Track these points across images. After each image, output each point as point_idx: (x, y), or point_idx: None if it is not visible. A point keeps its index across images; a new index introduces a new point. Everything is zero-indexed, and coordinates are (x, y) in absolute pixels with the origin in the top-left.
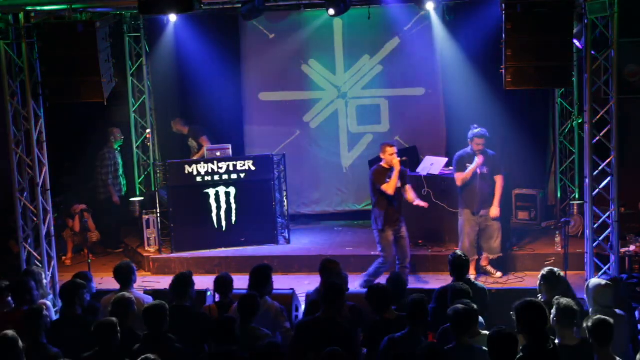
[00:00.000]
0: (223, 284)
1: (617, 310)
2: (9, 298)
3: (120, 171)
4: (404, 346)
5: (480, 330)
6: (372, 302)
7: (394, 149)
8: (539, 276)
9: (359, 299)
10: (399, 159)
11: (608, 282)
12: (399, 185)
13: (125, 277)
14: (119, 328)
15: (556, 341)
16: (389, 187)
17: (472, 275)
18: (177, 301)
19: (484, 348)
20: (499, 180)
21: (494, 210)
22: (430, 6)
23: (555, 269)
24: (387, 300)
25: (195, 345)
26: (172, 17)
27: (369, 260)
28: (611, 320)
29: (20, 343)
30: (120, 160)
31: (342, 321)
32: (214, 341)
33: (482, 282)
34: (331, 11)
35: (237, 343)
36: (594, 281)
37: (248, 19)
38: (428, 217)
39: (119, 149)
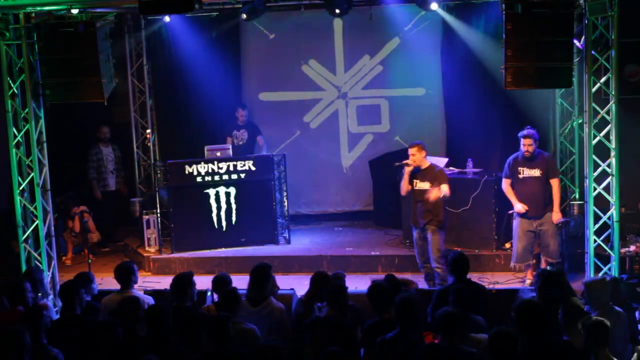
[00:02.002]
0: (221, 284)
1: (616, 307)
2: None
3: (111, 168)
4: (396, 346)
5: (478, 333)
6: (374, 301)
7: (410, 150)
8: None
9: (359, 299)
10: (407, 161)
11: (605, 277)
12: (427, 187)
13: (125, 277)
14: (120, 329)
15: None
16: (401, 188)
17: (528, 280)
18: (177, 302)
19: (473, 350)
20: (555, 184)
21: (555, 216)
22: (434, 6)
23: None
24: (387, 299)
25: (196, 346)
26: (169, 17)
27: (369, 260)
28: (607, 322)
29: (27, 338)
30: (110, 157)
31: (344, 321)
32: (208, 340)
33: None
34: (337, 11)
35: (231, 341)
36: (592, 278)
37: (248, 19)
38: None
39: (109, 146)
